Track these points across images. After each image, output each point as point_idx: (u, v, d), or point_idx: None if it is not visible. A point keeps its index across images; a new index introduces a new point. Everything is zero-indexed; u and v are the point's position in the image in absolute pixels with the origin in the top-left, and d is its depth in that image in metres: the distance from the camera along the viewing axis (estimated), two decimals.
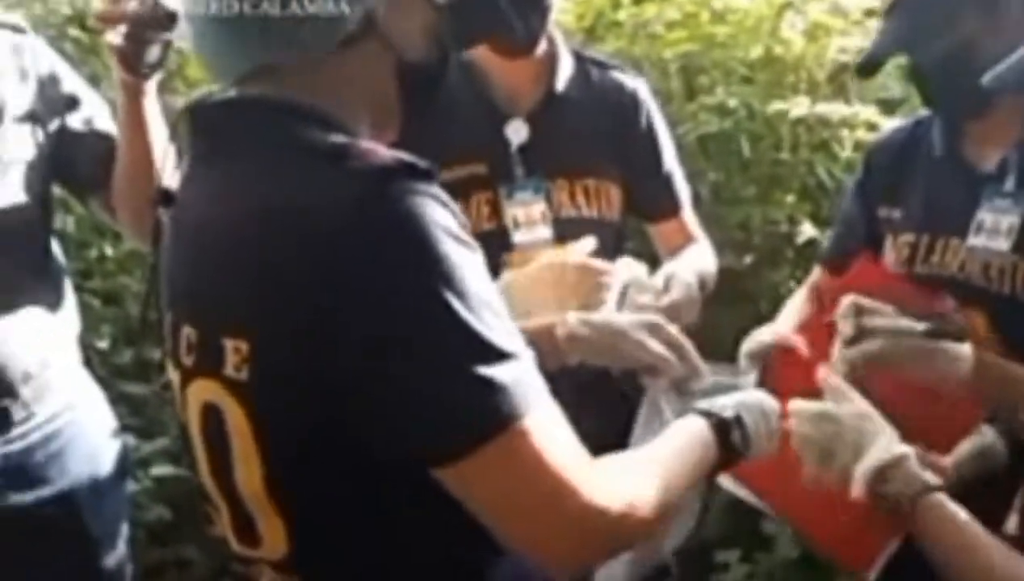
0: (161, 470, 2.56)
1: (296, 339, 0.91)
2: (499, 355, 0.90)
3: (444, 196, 0.93)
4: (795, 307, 1.89)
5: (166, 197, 1.07)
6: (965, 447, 1.45)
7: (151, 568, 2.62)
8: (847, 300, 1.43)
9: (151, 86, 1.69)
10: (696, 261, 1.92)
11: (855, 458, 1.19)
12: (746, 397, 1.20)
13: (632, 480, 0.99)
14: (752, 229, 2.87)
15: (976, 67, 1.40)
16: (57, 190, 1.88)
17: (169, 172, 1.74)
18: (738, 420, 1.15)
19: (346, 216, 0.90)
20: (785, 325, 1.79)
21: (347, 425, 0.92)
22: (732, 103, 2.80)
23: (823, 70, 2.91)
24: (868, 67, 1.81)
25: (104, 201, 1.79)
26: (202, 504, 1.08)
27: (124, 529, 1.82)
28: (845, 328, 1.39)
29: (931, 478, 1.18)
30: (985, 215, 1.65)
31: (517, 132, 1.85)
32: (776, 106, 2.77)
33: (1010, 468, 1.26)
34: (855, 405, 1.26)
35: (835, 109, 2.72)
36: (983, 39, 1.55)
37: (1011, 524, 1.22)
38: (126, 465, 1.89)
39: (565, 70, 1.90)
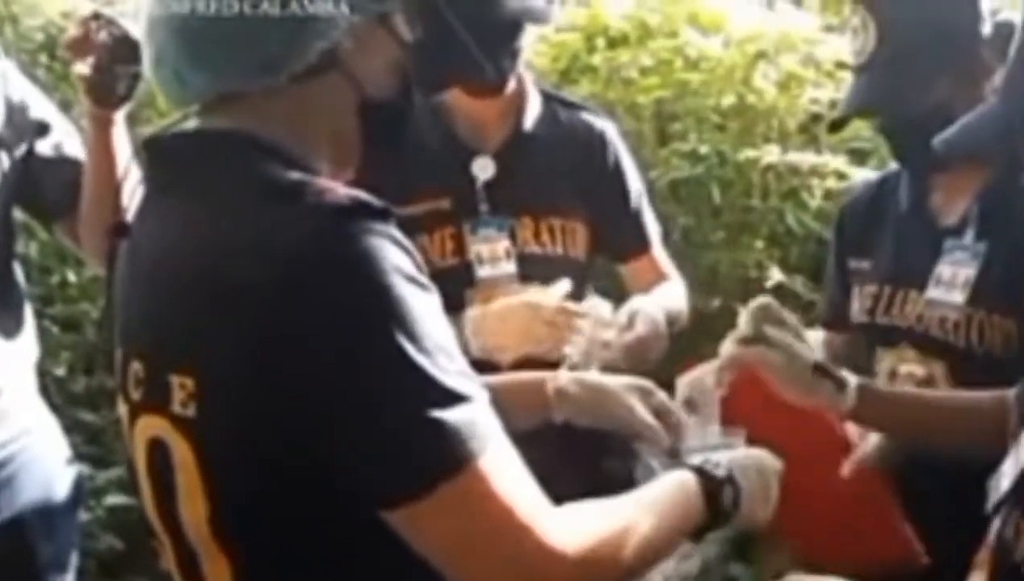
0: (114, 500, 2.51)
1: (243, 379, 0.89)
2: (452, 398, 0.89)
3: (400, 236, 0.92)
4: None
5: (122, 229, 1.05)
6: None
7: None
8: (757, 302, 1.41)
9: (120, 116, 1.68)
10: (665, 298, 1.92)
11: None
12: (742, 456, 1.17)
13: (594, 528, 0.97)
14: (720, 274, 2.88)
15: (946, 127, 1.41)
16: (21, 215, 1.86)
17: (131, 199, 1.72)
18: (730, 479, 1.11)
19: (299, 255, 0.88)
20: None
21: (295, 468, 0.90)
22: (704, 149, 2.82)
23: (794, 120, 2.95)
24: (838, 123, 1.85)
25: (69, 228, 1.77)
26: (152, 538, 1.04)
27: (74, 559, 1.78)
28: (745, 326, 1.38)
29: None
30: (944, 268, 1.66)
31: (483, 169, 1.85)
32: (747, 153, 2.79)
33: (969, 524, 1.25)
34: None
35: (805, 158, 2.75)
36: (956, 103, 1.53)
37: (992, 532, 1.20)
38: (80, 494, 1.85)
39: (533, 109, 1.91)
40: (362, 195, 0.92)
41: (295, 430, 0.88)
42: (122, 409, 1.01)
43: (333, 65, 0.98)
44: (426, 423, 0.87)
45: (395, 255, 0.90)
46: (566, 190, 1.90)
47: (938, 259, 1.67)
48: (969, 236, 1.66)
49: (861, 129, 2.82)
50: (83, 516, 2.07)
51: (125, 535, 2.54)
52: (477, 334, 1.69)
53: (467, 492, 0.89)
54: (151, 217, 1.02)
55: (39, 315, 2.55)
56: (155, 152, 1.02)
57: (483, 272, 1.81)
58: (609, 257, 2.04)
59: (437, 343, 0.90)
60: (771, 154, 2.75)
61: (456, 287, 1.74)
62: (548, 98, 1.95)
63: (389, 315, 0.87)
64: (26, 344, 1.77)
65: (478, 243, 1.82)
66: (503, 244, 1.83)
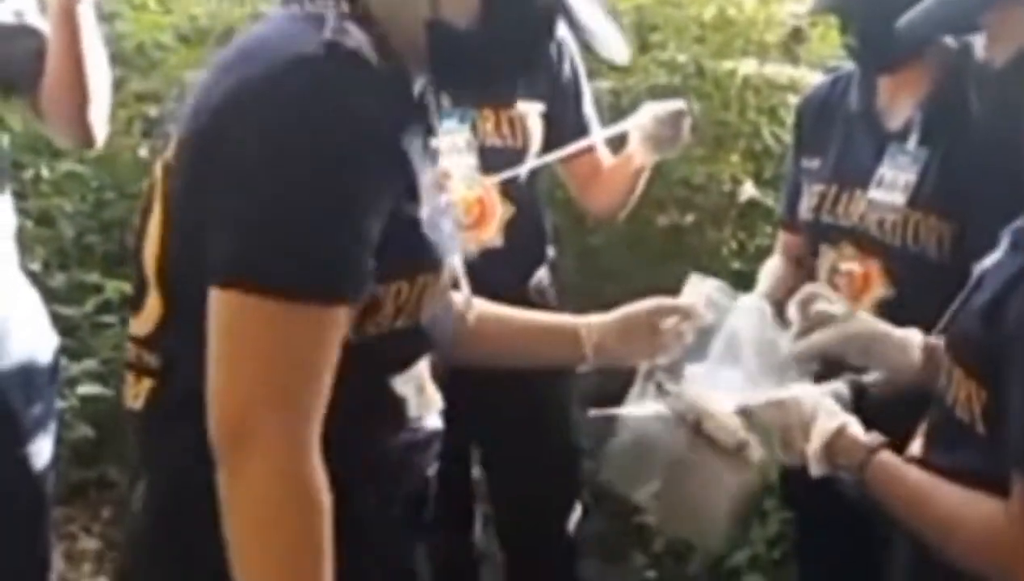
0: (87, 389, 2.53)
1: (198, 135, 1.01)
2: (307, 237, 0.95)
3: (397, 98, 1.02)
4: (772, 268, 1.94)
5: None
6: None
7: (74, 487, 2.61)
8: (800, 294, 1.42)
9: None
10: None
11: (805, 439, 1.22)
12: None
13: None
14: (694, 187, 2.89)
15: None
16: None
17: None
18: None
19: (288, 61, 0.98)
20: (766, 285, 1.84)
21: (195, 224, 0.99)
22: (682, 59, 2.81)
23: (774, 34, 2.94)
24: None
25: (32, 101, 1.74)
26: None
27: (53, 431, 1.79)
28: (796, 322, 1.40)
29: (872, 440, 1.20)
30: (886, 170, 1.73)
31: None
32: (725, 65, 2.78)
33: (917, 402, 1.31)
34: (797, 388, 1.29)
35: (783, 71, 2.75)
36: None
37: (915, 447, 1.26)
38: (58, 370, 1.85)
39: None
40: (363, 46, 1.00)
41: (205, 190, 0.98)
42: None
43: None
44: (267, 233, 0.95)
45: (368, 109, 0.97)
46: (527, 86, 1.94)
47: (881, 161, 1.73)
48: (912, 141, 1.72)
49: (841, 45, 2.82)
50: (58, 404, 2.08)
51: (97, 424, 2.58)
52: None
53: (240, 311, 0.95)
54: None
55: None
56: None
57: (442, 163, 1.83)
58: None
59: (344, 196, 0.96)
60: (748, 66, 2.74)
61: None
62: None
63: (324, 155, 0.95)
64: (3, 210, 1.76)
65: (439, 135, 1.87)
66: (463, 136, 1.88)
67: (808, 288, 1.43)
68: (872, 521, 1.36)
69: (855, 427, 1.22)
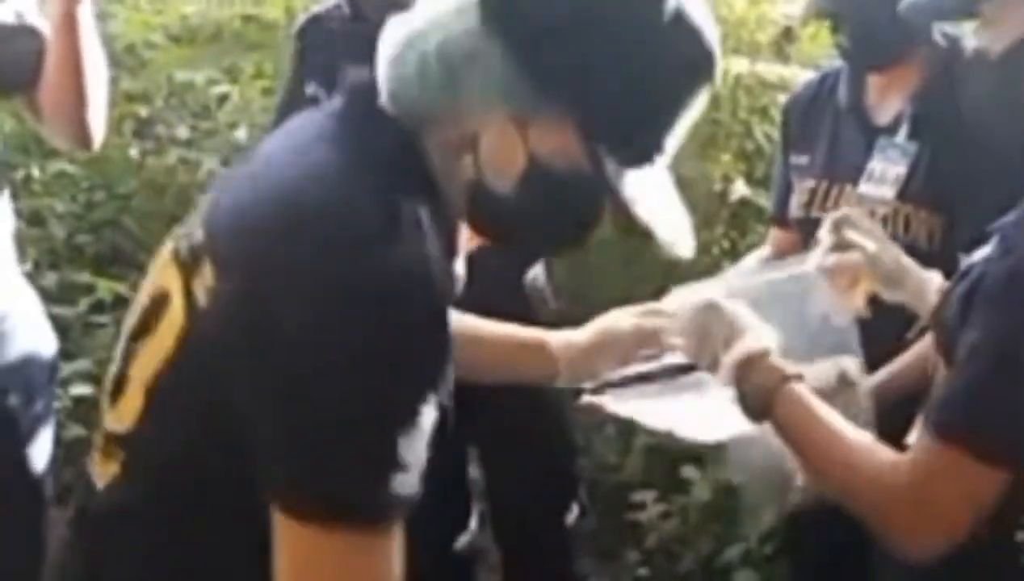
0: (79, 390, 2.53)
1: (236, 303, 0.91)
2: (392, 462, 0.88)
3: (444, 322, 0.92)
4: (759, 257, 1.94)
5: None
6: None
7: (67, 487, 2.59)
8: (835, 216, 1.45)
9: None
10: None
11: (724, 348, 1.19)
12: None
13: None
14: (685, 185, 2.90)
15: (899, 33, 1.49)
16: None
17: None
18: None
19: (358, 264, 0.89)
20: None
21: (226, 401, 0.91)
22: None
23: (765, 34, 2.96)
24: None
25: (29, 101, 1.74)
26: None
27: (51, 432, 1.78)
28: (827, 239, 1.42)
29: (791, 370, 1.17)
30: (876, 164, 1.75)
31: None
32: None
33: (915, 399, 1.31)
34: (737, 304, 1.25)
35: (773, 69, 2.77)
36: None
37: (912, 437, 1.26)
38: (57, 370, 1.85)
39: None
40: (420, 234, 0.93)
41: (243, 366, 0.90)
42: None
43: (466, 142, 0.99)
44: (328, 458, 0.88)
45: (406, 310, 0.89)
46: None
47: (871, 156, 1.75)
48: (902, 135, 1.74)
49: (831, 45, 2.83)
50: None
51: (89, 425, 2.56)
52: None
53: (302, 540, 0.88)
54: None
55: None
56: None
57: None
58: None
59: (408, 414, 0.89)
60: (740, 65, 2.76)
61: None
62: None
63: (374, 355, 0.87)
64: (2, 212, 1.75)
65: None
66: None
67: (844, 211, 1.45)
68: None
69: (779, 359, 1.19)
